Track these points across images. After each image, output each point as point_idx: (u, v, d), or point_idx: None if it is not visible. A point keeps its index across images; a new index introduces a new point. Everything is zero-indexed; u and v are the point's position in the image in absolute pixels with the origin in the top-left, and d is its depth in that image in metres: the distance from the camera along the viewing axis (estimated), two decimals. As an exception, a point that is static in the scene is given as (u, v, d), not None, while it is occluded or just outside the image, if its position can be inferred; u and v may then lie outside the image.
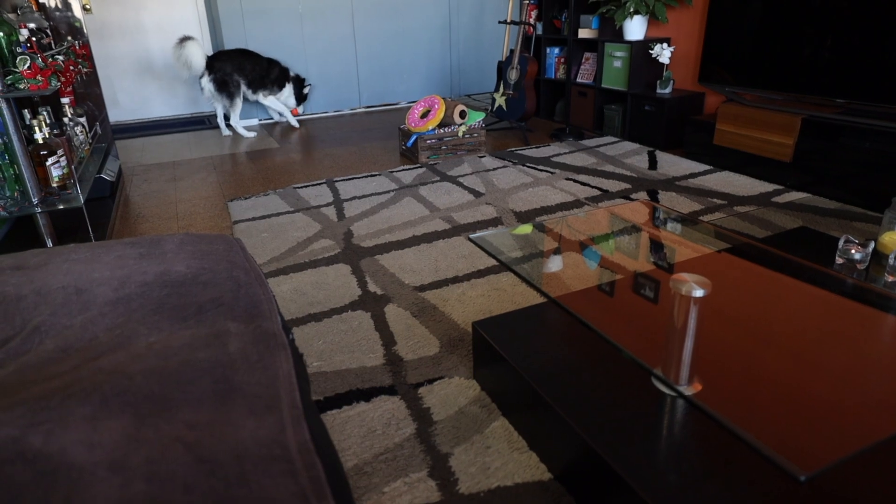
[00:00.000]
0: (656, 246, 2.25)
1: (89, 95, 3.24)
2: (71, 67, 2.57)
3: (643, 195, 3.14)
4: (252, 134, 4.79)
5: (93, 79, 3.38)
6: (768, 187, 3.17)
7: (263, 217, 2.90)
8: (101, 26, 5.11)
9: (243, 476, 0.64)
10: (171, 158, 4.16)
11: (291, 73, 4.94)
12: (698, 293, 1.17)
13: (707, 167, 3.55)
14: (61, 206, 2.12)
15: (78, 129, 2.58)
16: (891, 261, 1.63)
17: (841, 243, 1.71)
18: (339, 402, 1.55)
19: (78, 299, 1.03)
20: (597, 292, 1.78)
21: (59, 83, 2.07)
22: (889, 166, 2.74)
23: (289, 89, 4.90)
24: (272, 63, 4.81)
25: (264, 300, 1.13)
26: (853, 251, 1.68)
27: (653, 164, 3.67)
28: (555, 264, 2.07)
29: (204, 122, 5.42)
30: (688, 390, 1.27)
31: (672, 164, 3.63)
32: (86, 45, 3.30)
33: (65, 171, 2.18)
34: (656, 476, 1.08)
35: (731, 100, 3.62)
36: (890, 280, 1.63)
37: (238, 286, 1.15)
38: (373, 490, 1.27)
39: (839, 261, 1.71)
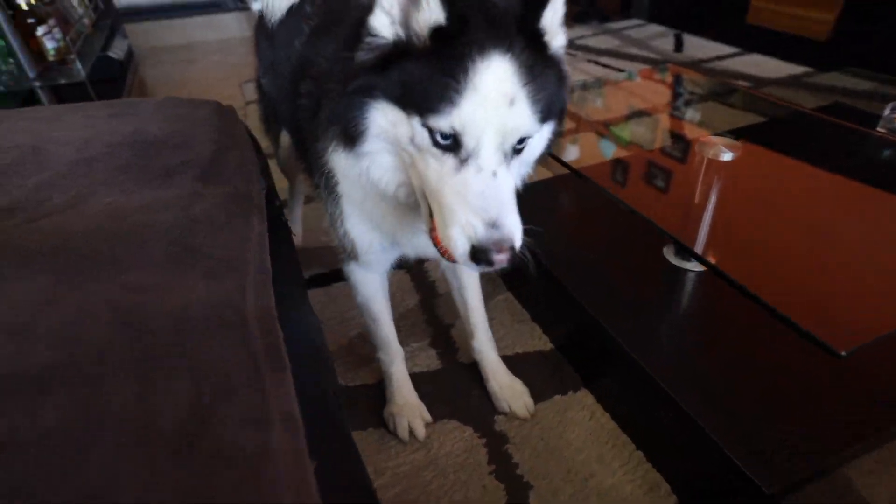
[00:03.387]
0: (676, 120, 1.94)
1: (83, -37, 2.83)
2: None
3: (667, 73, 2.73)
4: None
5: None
6: (800, 69, 2.72)
7: (277, 100, 2.63)
8: None
9: (178, 344, 0.49)
10: (186, 41, 3.78)
11: None
12: (726, 156, 0.94)
13: (736, 49, 3.06)
14: (62, 81, 1.89)
15: (74, 1, 2.26)
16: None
17: (886, 111, 1.41)
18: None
19: (34, 158, 0.85)
20: (617, 166, 1.54)
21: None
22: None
23: None
24: None
25: (247, 164, 0.94)
26: (899, 121, 1.38)
27: (678, 46, 3.19)
28: (574, 141, 1.81)
29: (219, 5, 4.89)
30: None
31: (699, 47, 3.14)
32: None
33: (60, 43, 1.92)
34: (656, 346, 0.95)
35: (772, -30, 3.01)
36: (935, 155, 1.34)
37: (218, 149, 0.96)
38: (374, 359, 1.17)
39: (881, 130, 1.42)
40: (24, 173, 0.82)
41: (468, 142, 0.55)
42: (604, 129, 1.91)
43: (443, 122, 0.54)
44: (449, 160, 0.57)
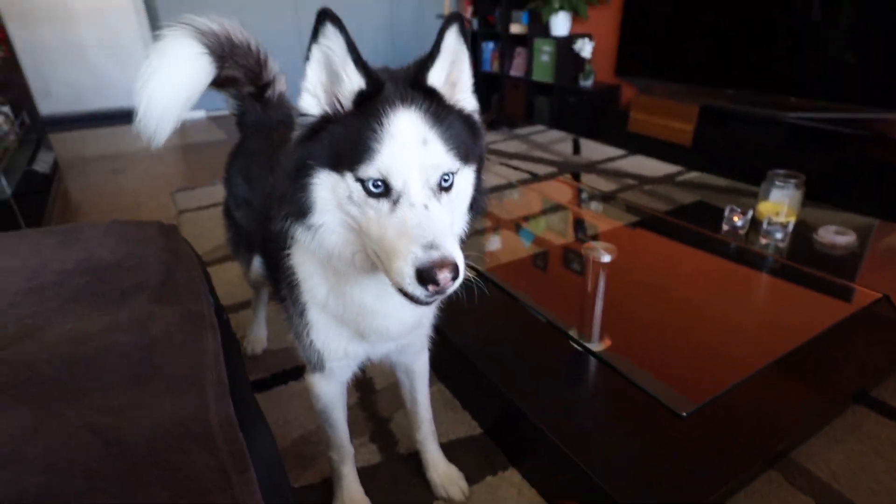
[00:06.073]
0: (579, 222, 2.29)
1: (11, 83, 2.88)
2: (-18, 51, 2.26)
3: (568, 178, 3.19)
4: None
5: (12, 65, 3.00)
6: (672, 168, 3.29)
7: (211, 206, 2.72)
8: (23, 9, 4.53)
9: (155, 455, 0.58)
10: (114, 150, 3.84)
11: None
12: (605, 258, 1.18)
13: (622, 152, 3.65)
14: (-16, 199, 1.89)
15: (0, 119, 2.30)
16: (764, 226, 1.72)
17: (726, 213, 1.79)
18: (286, 377, 1.48)
19: (-15, 290, 0.90)
20: (523, 264, 1.78)
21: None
22: (766, 148, 2.91)
23: None
24: None
25: (195, 282, 1.05)
26: (735, 219, 1.77)
27: (577, 149, 3.74)
28: (491, 243, 2.06)
29: (147, 115, 5.02)
30: (598, 346, 1.30)
31: (593, 150, 3.70)
32: (0, 29, 2.93)
33: (-14, 162, 1.94)
34: (570, 423, 1.10)
35: (643, 91, 3.73)
36: (763, 242, 1.72)
37: (167, 270, 1.06)
38: (318, 457, 1.22)
39: (725, 227, 1.79)
40: (-25, 306, 0.87)
41: (395, 182, 0.62)
42: (523, 221, 2.21)
43: (371, 170, 0.62)
44: (384, 205, 0.63)
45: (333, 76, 0.65)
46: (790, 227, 1.70)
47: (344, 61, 0.64)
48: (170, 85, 1.07)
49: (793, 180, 1.70)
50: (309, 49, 0.64)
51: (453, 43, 0.68)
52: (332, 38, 0.62)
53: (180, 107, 1.09)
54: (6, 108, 2.48)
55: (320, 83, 0.66)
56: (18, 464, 0.52)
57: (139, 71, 1.05)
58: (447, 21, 0.66)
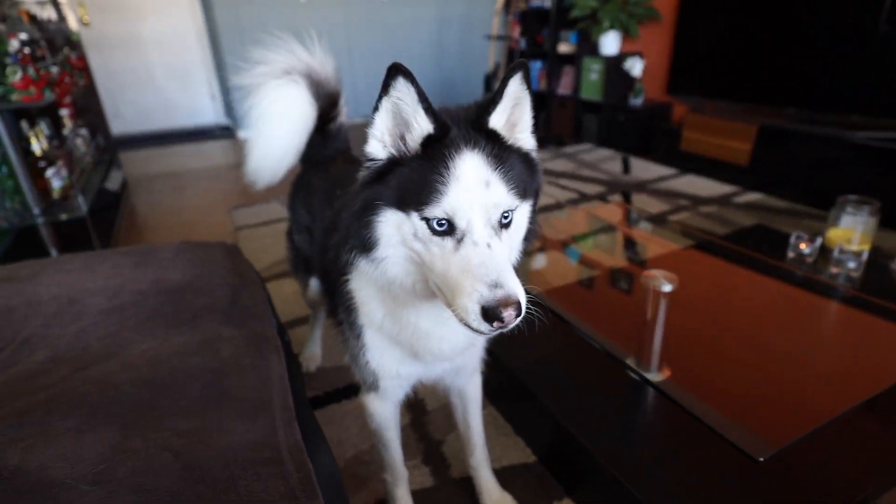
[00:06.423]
0: (630, 244, 2.23)
1: (90, 107, 3.13)
2: (66, 79, 2.47)
3: (617, 198, 3.12)
4: None
5: (91, 91, 3.27)
6: (728, 189, 3.17)
7: (266, 223, 2.84)
8: (100, 39, 4.95)
9: (232, 481, 0.60)
10: (176, 169, 4.07)
11: None
12: (666, 288, 1.14)
13: (674, 171, 3.55)
14: (64, 217, 2.04)
15: (79, 141, 2.50)
16: (835, 254, 1.62)
17: (792, 239, 1.70)
18: (339, 396, 1.51)
19: (70, 309, 0.97)
20: (575, 287, 1.75)
21: (53, 95, 1.99)
22: (831, 169, 2.75)
23: None
24: None
25: (259, 303, 1.09)
26: (802, 246, 1.67)
27: (626, 168, 3.66)
28: (538, 262, 2.04)
29: (207, 133, 5.32)
30: (657, 377, 1.25)
31: (644, 169, 3.62)
32: (82, 58, 3.18)
33: (66, 181, 2.10)
34: (628, 456, 1.06)
35: (695, 109, 3.63)
36: (834, 271, 1.62)
37: (233, 291, 1.10)
38: (371, 477, 1.23)
39: (791, 255, 1.70)
40: (63, 323, 0.94)
41: (460, 222, 0.65)
42: (570, 240, 2.18)
43: (437, 210, 0.65)
44: (448, 243, 0.66)
45: (401, 122, 0.68)
46: (864, 256, 1.59)
47: (415, 110, 0.67)
48: (288, 140, 1.20)
49: (867, 206, 1.59)
50: (379, 100, 0.67)
51: (516, 89, 0.71)
52: (402, 91, 0.66)
53: (293, 157, 1.24)
54: (84, 131, 2.68)
55: (387, 129, 0.69)
56: (110, 483, 0.55)
57: (257, 112, 1.16)
58: (512, 69, 0.69)
